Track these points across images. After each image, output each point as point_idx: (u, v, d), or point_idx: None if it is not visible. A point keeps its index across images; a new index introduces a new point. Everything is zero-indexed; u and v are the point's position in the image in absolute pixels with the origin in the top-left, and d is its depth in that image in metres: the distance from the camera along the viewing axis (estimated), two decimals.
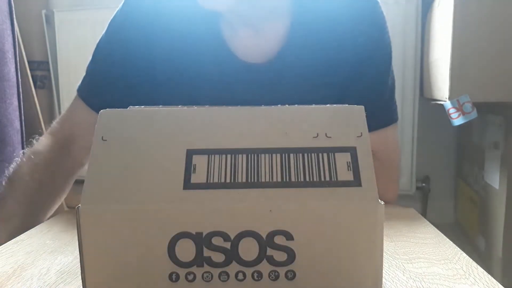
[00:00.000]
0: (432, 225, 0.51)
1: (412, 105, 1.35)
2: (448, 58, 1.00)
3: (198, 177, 0.30)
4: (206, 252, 0.30)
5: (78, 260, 0.35)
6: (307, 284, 0.30)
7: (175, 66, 0.66)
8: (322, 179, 0.30)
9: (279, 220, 0.29)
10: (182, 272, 0.30)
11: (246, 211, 0.29)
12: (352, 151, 0.31)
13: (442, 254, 0.41)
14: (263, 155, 0.31)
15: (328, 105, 0.34)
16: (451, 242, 0.45)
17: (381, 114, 0.66)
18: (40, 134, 0.68)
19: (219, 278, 0.30)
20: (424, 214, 1.44)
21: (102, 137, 0.32)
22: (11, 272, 0.38)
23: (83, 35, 1.44)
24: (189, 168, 0.31)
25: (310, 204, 0.29)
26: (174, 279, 0.30)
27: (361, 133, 0.32)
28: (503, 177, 1.05)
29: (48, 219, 0.55)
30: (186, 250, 0.30)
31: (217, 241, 0.29)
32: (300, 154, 0.31)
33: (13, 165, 0.63)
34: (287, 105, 0.34)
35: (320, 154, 0.31)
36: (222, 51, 0.65)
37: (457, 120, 0.98)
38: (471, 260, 0.40)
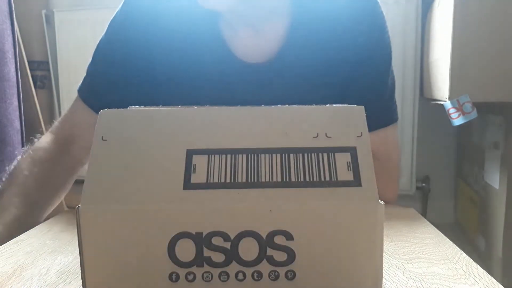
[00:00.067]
0: (432, 225, 0.51)
1: (412, 105, 1.35)
2: (448, 58, 1.00)
3: (198, 177, 0.30)
4: (206, 252, 0.30)
5: (78, 260, 0.35)
6: (307, 284, 0.30)
7: (175, 66, 0.66)
8: (322, 179, 0.30)
9: (279, 220, 0.29)
10: (182, 272, 0.30)
11: (246, 211, 0.29)
12: (352, 151, 0.31)
13: (442, 254, 0.41)
14: (263, 155, 0.31)
15: (328, 105, 0.34)
16: (451, 242, 0.45)
17: (381, 114, 0.66)
18: (40, 134, 0.69)
19: (219, 278, 0.30)
20: (424, 214, 1.44)
21: (102, 137, 0.32)
22: (11, 272, 0.38)
23: (83, 35, 1.44)
24: (189, 168, 0.31)
25: (310, 204, 0.29)
26: (174, 279, 0.30)
27: (361, 133, 0.32)
28: (503, 177, 1.05)
29: (48, 218, 0.55)
30: (186, 250, 0.30)
31: (217, 241, 0.29)
32: (300, 154, 0.31)
33: (14, 162, 0.64)
34: (287, 105, 0.34)
35: (320, 154, 0.31)
36: (222, 51, 0.65)
37: (457, 120, 0.98)
38: (471, 260, 0.40)
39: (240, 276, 0.30)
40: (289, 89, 0.64)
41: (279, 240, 0.29)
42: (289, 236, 0.29)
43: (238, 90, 0.65)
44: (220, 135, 0.32)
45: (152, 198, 0.30)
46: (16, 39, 0.93)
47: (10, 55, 0.89)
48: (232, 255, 0.30)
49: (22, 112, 0.94)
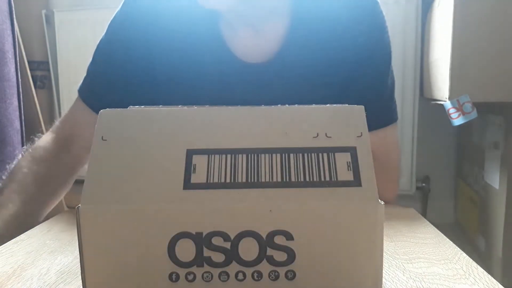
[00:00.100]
0: (432, 225, 0.51)
1: (412, 105, 1.35)
2: (448, 58, 1.00)
3: (198, 177, 0.30)
4: (206, 252, 0.30)
5: (78, 260, 0.35)
6: (307, 284, 0.30)
7: (175, 66, 0.66)
8: (322, 179, 0.30)
9: (279, 220, 0.29)
10: (182, 272, 0.30)
11: (246, 211, 0.29)
12: (352, 151, 0.31)
13: (442, 254, 0.41)
14: (263, 155, 0.31)
15: (328, 105, 0.34)
16: (451, 242, 0.45)
17: (380, 114, 0.66)
18: (41, 134, 0.69)
19: (219, 278, 0.30)
20: (424, 214, 1.44)
21: (102, 137, 0.32)
22: (11, 272, 0.38)
23: (83, 35, 1.44)
24: (189, 168, 0.31)
25: (310, 204, 0.29)
26: (174, 279, 0.30)
27: (361, 133, 0.32)
28: (503, 177, 1.05)
29: (48, 218, 0.55)
30: (186, 250, 0.30)
31: (217, 241, 0.29)
32: (300, 154, 0.31)
33: (14, 161, 0.64)
34: (287, 105, 0.34)
35: (320, 154, 0.31)
36: (222, 51, 0.65)
37: (457, 120, 0.98)
38: (471, 260, 0.40)
39: (240, 276, 0.30)
40: (289, 89, 0.64)
41: (279, 240, 0.29)
42: (289, 236, 0.29)
43: (238, 90, 0.65)
44: (220, 135, 0.32)
45: (152, 198, 0.30)
46: (16, 39, 0.93)
47: (10, 55, 0.89)
48: (232, 255, 0.30)
49: (22, 112, 0.94)
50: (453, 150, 1.47)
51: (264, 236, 0.29)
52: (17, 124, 0.92)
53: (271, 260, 0.30)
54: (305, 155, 0.31)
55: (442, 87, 1.06)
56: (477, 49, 0.98)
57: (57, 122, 0.70)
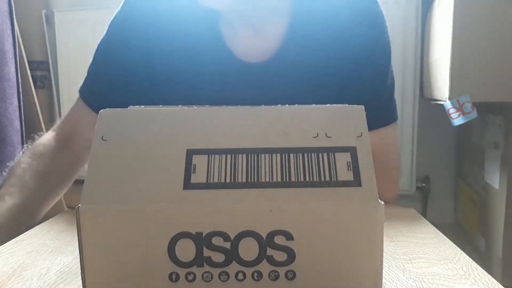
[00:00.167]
0: (432, 225, 0.51)
1: (412, 105, 1.35)
2: (448, 58, 1.00)
3: (198, 177, 0.30)
4: (206, 252, 0.30)
5: (78, 260, 0.35)
6: (307, 284, 0.30)
7: (175, 66, 0.66)
8: (322, 179, 0.30)
9: (279, 220, 0.29)
10: (182, 272, 0.30)
11: (246, 211, 0.29)
12: (352, 151, 0.31)
13: (442, 254, 0.41)
14: (263, 155, 0.31)
15: (328, 105, 0.34)
16: (451, 242, 0.45)
17: (380, 114, 0.66)
18: (40, 135, 0.69)
19: (219, 278, 0.30)
20: (424, 214, 1.44)
21: (102, 137, 0.32)
22: (11, 272, 0.38)
23: (83, 35, 1.44)
24: (189, 168, 0.31)
25: (310, 204, 0.29)
26: (174, 279, 0.30)
27: (361, 133, 0.32)
28: (503, 177, 1.05)
29: (48, 218, 0.55)
30: (186, 250, 0.30)
31: (217, 241, 0.29)
32: (300, 154, 0.31)
33: (15, 159, 0.64)
34: (287, 105, 0.34)
35: (320, 154, 0.31)
36: (222, 51, 0.65)
37: (457, 120, 0.98)
38: (471, 260, 0.40)
39: (240, 276, 0.30)
40: (288, 89, 0.64)
41: (279, 240, 0.29)
42: (289, 236, 0.29)
43: (238, 90, 0.65)
44: (220, 135, 0.32)
45: (152, 198, 0.30)
46: (16, 39, 0.93)
47: (10, 55, 0.89)
48: (232, 255, 0.30)
49: (22, 112, 0.94)
50: (453, 150, 1.47)
51: (264, 236, 0.29)
52: (17, 124, 0.92)
53: (271, 260, 0.30)
54: (305, 155, 0.31)
55: (442, 87, 1.06)
56: (477, 49, 0.98)
57: (58, 122, 0.70)
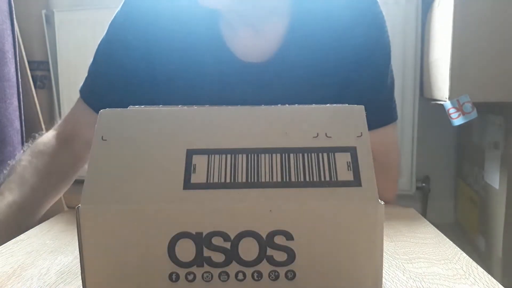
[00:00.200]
0: (432, 225, 0.51)
1: (412, 105, 1.35)
2: (448, 58, 1.00)
3: (198, 177, 0.30)
4: (206, 252, 0.30)
5: (78, 260, 0.35)
6: (307, 284, 0.30)
7: (175, 66, 0.66)
8: (322, 179, 0.30)
9: (279, 220, 0.29)
10: (182, 272, 0.30)
11: (246, 211, 0.29)
12: (352, 151, 0.31)
13: (442, 254, 0.41)
14: (263, 155, 0.31)
15: (328, 105, 0.34)
16: (451, 242, 0.45)
17: (380, 113, 0.66)
18: (40, 134, 0.69)
19: (219, 278, 0.30)
20: (424, 214, 1.44)
21: (102, 137, 0.32)
22: (11, 272, 0.38)
23: (83, 35, 1.44)
24: (189, 168, 0.31)
25: (310, 204, 0.29)
26: (174, 279, 0.30)
27: (361, 133, 0.32)
28: (503, 177, 1.05)
29: (48, 218, 0.55)
30: (186, 250, 0.30)
31: (217, 241, 0.29)
32: (300, 154, 0.31)
33: (16, 157, 0.64)
34: (287, 105, 0.34)
35: (320, 154, 0.31)
36: (222, 51, 0.65)
37: (457, 120, 0.98)
38: (471, 260, 0.40)
39: (240, 276, 0.30)
40: (288, 89, 0.64)
41: (279, 240, 0.29)
42: (289, 236, 0.29)
43: (238, 90, 0.65)
44: (220, 135, 0.32)
45: (152, 198, 0.30)
46: (16, 39, 0.93)
47: (10, 55, 0.89)
48: (232, 255, 0.30)
49: (22, 112, 0.94)
50: (453, 150, 1.47)
51: (264, 236, 0.29)
52: (17, 124, 0.92)
53: (271, 260, 0.30)
54: (305, 155, 0.31)
55: (442, 87, 1.06)
56: (477, 49, 0.98)
57: (59, 121, 0.71)
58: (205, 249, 0.29)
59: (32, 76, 1.16)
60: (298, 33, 0.64)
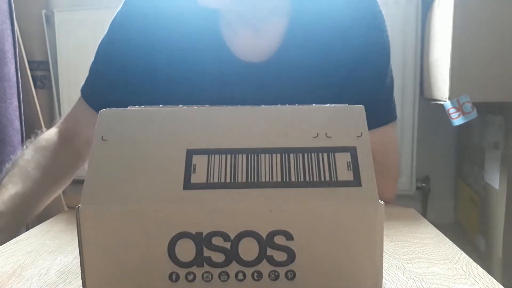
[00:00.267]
0: (432, 225, 0.51)
1: (412, 105, 1.35)
2: (448, 58, 1.00)
3: (198, 177, 0.30)
4: (206, 252, 0.30)
5: (78, 260, 0.35)
6: (307, 284, 0.30)
7: (175, 66, 0.66)
8: (322, 179, 0.30)
9: (279, 220, 0.29)
10: (182, 272, 0.30)
11: (246, 211, 0.29)
12: (352, 151, 0.31)
13: (442, 254, 0.41)
14: (263, 155, 0.31)
15: (328, 105, 0.34)
16: (451, 242, 0.45)
17: (379, 113, 0.66)
18: (42, 131, 0.70)
19: (219, 278, 0.30)
20: (424, 214, 1.44)
21: (102, 137, 0.32)
22: (11, 272, 0.38)
23: (83, 35, 1.44)
24: (189, 168, 0.31)
25: (310, 204, 0.29)
26: (174, 279, 0.30)
27: (361, 133, 0.32)
28: (503, 177, 1.05)
29: (48, 218, 0.55)
30: (186, 250, 0.30)
31: (217, 241, 0.29)
32: (300, 154, 0.31)
33: (18, 152, 0.65)
34: (287, 105, 0.34)
35: (320, 154, 0.31)
36: (221, 51, 0.65)
37: (457, 120, 0.98)
38: (471, 260, 0.40)
39: (240, 276, 0.30)
40: (288, 88, 0.64)
41: (279, 240, 0.29)
42: (289, 236, 0.29)
43: (238, 90, 0.65)
44: (220, 135, 0.32)
45: (152, 198, 0.30)
46: (16, 39, 0.93)
47: (10, 55, 0.89)
48: (232, 255, 0.30)
49: (22, 112, 0.94)
50: (453, 150, 1.47)
51: (264, 236, 0.29)
52: (17, 124, 0.92)
53: (271, 260, 0.30)
54: (305, 155, 0.31)
55: (442, 87, 1.06)
56: (477, 49, 0.98)
57: (61, 119, 0.71)
58: (205, 249, 0.29)
59: (32, 76, 1.16)
60: (297, 33, 0.64)
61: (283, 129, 0.32)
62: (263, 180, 0.30)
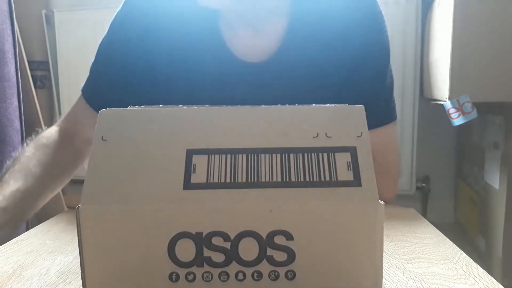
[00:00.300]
0: (432, 225, 0.51)
1: (412, 105, 1.35)
2: (448, 58, 1.00)
3: (198, 177, 0.30)
4: (206, 252, 0.30)
5: (78, 260, 0.35)
6: (307, 284, 0.30)
7: (175, 66, 0.66)
8: (322, 179, 0.30)
9: (279, 220, 0.29)
10: (182, 272, 0.30)
11: (246, 211, 0.29)
12: (352, 151, 0.31)
13: (442, 254, 0.41)
14: (263, 155, 0.31)
15: (328, 105, 0.34)
16: (451, 242, 0.45)
17: (379, 113, 0.66)
18: (44, 129, 0.70)
19: (219, 278, 0.30)
20: (424, 214, 1.44)
21: (102, 137, 0.32)
22: (11, 272, 0.38)
23: (83, 35, 1.44)
24: (189, 168, 0.31)
25: (310, 204, 0.29)
26: (174, 279, 0.30)
27: (361, 133, 0.32)
28: (503, 177, 1.05)
29: (48, 218, 0.55)
30: (186, 250, 0.30)
31: (217, 241, 0.29)
32: (300, 154, 0.31)
33: (19, 149, 0.65)
34: (287, 105, 0.34)
35: (320, 154, 0.31)
36: (221, 51, 0.65)
37: (457, 120, 0.98)
38: (471, 260, 0.40)
39: (240, 276, 0.30)
40: (288, 88, 0.64)
41: (279, 240, 0.29)
42: (289, 236, 0.29)
43: (238, 89, 0.65)
44: (220, 135, 0.32)
45: (152, 198, 0.30)
46: (16, 39, 0.93)
47: (10, 55, 0.89)
48: (232, 255, 0.30)
49: (22, 112, 0.94)
50: (453, 150, 1.47)
51: (264, 236, 0.29)
52: (17, 124, 0.92)
53: (271, 260, 0.30)
54: (305, 155, 0.31)
55: (442, 87, 1.06)
56: (477, 49, 0.98)
57: (61, 117, 0.72)
58: (205, 249, 0.29)
59: (32, 76, 1.16)
60: (297, 33, 0.64)
61: (283, 129, 0.32)
62: (263, 180, 0.30)
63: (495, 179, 1.09)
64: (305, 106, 0.34)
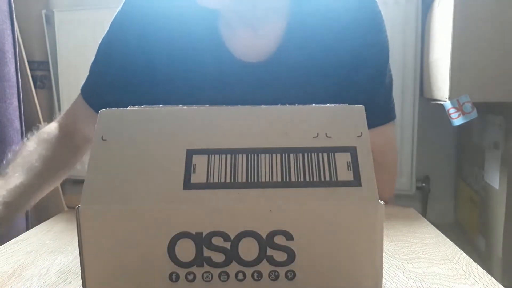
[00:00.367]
0: (432, 225, 0.51)
1: (412, 105, 1.35)
2: (448, 58, 1.00)
3: (198, 177, 0.30)
4: (206, 252, 0.30)
5: (78, 260, 0.35)
6: (307, 284, 0.30)
7: (174, 66, 0.66)
8: (322, 179, 0.30)
9: (279, 220, 0.29)
10: (182, 272, 0.30)
11: (246, 211, 0.29)
12: (352, 151, 0.31)
13: (442, 254, 0.41)
14: (263, 155, 0.31)
15: (328, 104, 0.34)
16: (451, 242, 0.45)
17: (378, 113, 0.66)
18: (44, 125, 0.70)
19: (219, 278, 0.30)
20: (424, 214, 1.44)
21: (102, 137, 0.32)
22: (11, 272, 0.38)
23: (83, 35, 1.44)
24: (189, 168, 0.31)
25: (310, 204, 0.29)
26: (174, 279, 0.30)
27: (361, 132, 0.32)
28: (503, 177, 1.05)
29: (48, 218, 0.55)
30: (186, 250, 0.30)
31: (217, 241, 0.29)
32: (300, 154, 0.31)
33: (20, 144, 0.66)
34: (287, 105, 0.34)
35: (320, 154, 0.31)
36: (221, 51, 0.65)
37: (457, 120, 0.98)
38: (471, 260, 0.40)
39: (240, 276, 0.30)
40: (287, 88, 0.64)
41: (279, 240, 0.29)
42: (289, 236, 0.29)
43: (238, 89, 0.65)
44: (220, 135, 0.32)
45: (152, 198, 0.30)
46: (16, 39, 0.93)
47: (10, 55, 0.89)
48: (232, 255, 0.30)
49: (22, 112, 0.94)
50: (453, 150, 1.47)
51: (264, 236, 0.29)
52: (17, 124, 0.92)
53: (271, 260, 0.30)
54: (305, 155, 0.31)
55: (442, 87, 1.06)
56: (477, 49, 0.98)
57: (61, 114, 0.72)
58: (205, 249, 0.29)
59: (32, 76, 1.16)
60: (297, 33, 0.64)
61: (283, 129, 0.32)
62: (263, 180, 0.30)
63: (495, 179, 1.09)
64: (305, 106, 0.34)
